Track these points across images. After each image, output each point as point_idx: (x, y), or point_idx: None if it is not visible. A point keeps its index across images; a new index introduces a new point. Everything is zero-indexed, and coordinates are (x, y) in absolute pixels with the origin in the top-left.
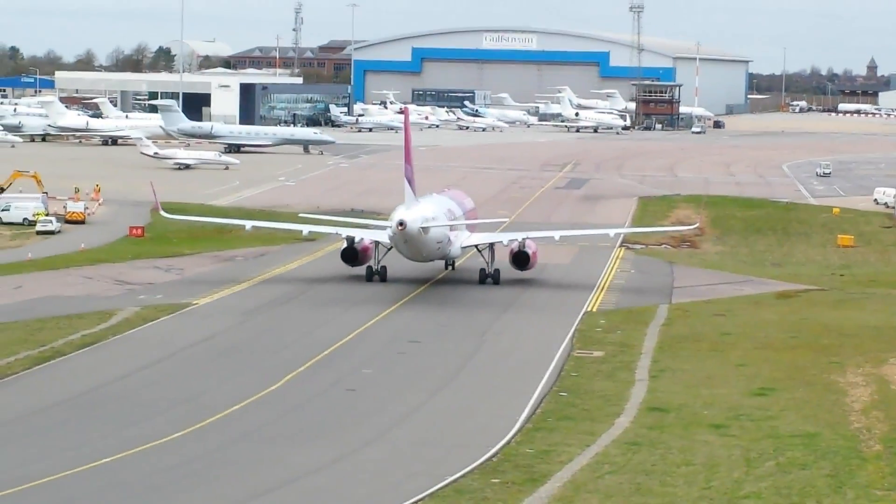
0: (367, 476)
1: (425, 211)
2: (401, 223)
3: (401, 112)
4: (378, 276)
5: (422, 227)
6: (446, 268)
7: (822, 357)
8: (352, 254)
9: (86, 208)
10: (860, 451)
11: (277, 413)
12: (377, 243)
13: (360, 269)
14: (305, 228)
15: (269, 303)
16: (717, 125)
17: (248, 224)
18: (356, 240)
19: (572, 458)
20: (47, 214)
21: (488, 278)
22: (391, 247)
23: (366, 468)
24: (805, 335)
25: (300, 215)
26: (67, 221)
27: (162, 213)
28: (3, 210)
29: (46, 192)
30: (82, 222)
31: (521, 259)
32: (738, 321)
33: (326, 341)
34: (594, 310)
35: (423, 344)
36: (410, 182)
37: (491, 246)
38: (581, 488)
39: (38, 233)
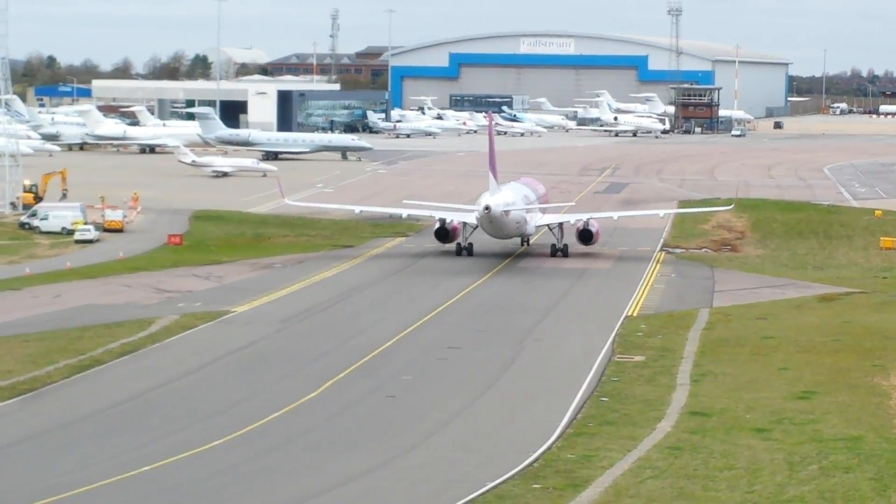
0: (407, 483)
1: (506, 197)
2: (486, 207)
3: (439, 118)
4: (466, 251)
5: (503, 211)
6: (522, 244)
7: (865, 360)
8: (444, 233)
9: (124, 216)
10: None
11: (318, 420)
12: (465, 224)
13: (451, 246)
14: (405, 212)
15: (312, 308)
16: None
17: (357, 209)
18: (447, 221)
19: (614, 463)
20: (85, 223)
21: (558, 252)
22: (476, 226)
23: (406, 475)
24: (847, 338)
25: (404, 201)
26: (106, 230)
27: (286, 200)
28: (41, 219)
29: (67, 190)
30: (120, 231)
31: (586, 236)
32: (779, 325)
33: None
34: (635, 314)
35: (463, 350)
36: (494, 173)
37: (560, 225)
38: (623, 493)
39: (77, 241)
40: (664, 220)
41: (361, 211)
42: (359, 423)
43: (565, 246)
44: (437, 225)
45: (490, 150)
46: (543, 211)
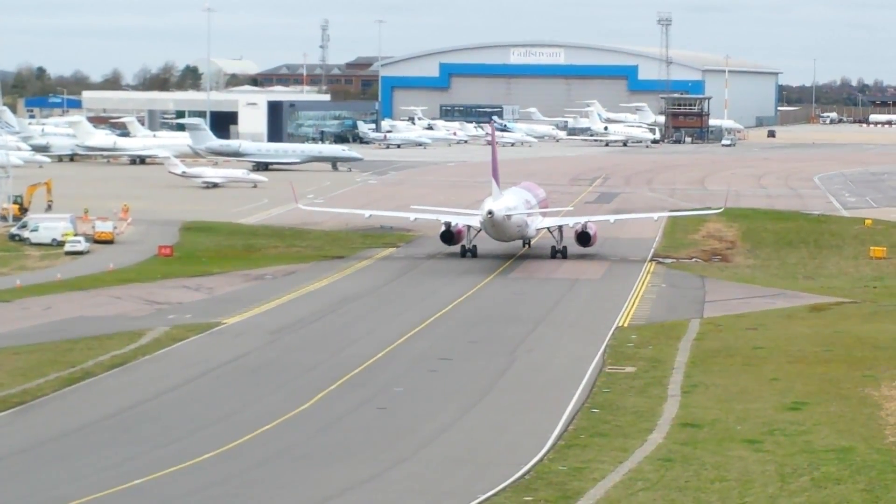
0: (399, 495)
1: (508, 202)
2: (489, 212)
3: (429, 128)
4: (470, 253)
5: (506, 215)
6: (524, 246)
7: (856, 370)
8: (449, 235)
9: (114, 228)
10: None
11: (309, 432)
12: (469, 227)
13: (456, 248)
14: (412, 216)
15: (303, 319)
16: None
17: (367, 213)
18: (452, 224)
19: (605, 475)
20: (76, 234)
21: (558, 253)
22: (480, 229)
23: (398, 487)
24: (838, 348)
25: (412, 207)
26: (96, 241)
27: (298, 206)
28: (31, 231)
29: (52, 201)
30: (111, 242)
31: (584, 238)
32: (770, 335)
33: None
34: (625, 325)
35: (455, 361)
36: (496, 179)
37: (559, 228)
38: None
39: (67, 253)
40: (655, 230)
41: (371, 215)
42: (350, 435)
43: (564, 248)
44: (443, 228)
45: (493, 157)
46: (543, 214)
